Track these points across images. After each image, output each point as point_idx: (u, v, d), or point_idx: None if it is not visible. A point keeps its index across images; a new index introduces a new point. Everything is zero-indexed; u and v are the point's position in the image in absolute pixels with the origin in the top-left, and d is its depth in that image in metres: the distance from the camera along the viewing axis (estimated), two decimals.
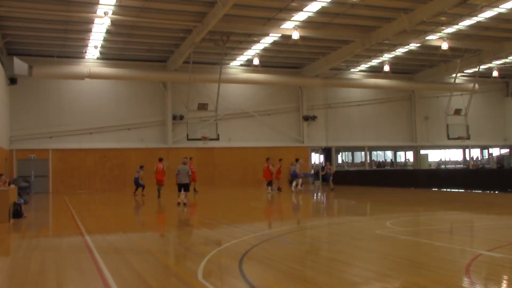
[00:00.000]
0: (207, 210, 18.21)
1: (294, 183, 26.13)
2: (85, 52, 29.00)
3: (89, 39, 26.69)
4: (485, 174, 26.94)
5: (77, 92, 30.37)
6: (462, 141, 34.62)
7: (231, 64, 32.80)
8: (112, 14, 22.16)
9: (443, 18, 24.26)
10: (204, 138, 28.32)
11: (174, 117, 31.92)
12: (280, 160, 26.94)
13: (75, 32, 25.49)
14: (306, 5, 22.33)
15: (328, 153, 37.35)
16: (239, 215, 15.72)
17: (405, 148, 41.05)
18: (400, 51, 31.20)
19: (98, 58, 29.63)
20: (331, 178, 26.58)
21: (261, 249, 8.75)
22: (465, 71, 36.37)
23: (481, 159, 44.01)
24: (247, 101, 34.06)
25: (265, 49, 29.68)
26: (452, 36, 27.57)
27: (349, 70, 35.99)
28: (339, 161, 39.77)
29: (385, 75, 34.71)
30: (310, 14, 23.41)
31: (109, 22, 22.25)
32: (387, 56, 32.47)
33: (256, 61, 30.60)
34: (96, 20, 23.30)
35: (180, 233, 12.37)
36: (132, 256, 8.57)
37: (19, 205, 14.80)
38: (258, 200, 22.04)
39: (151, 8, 22.04)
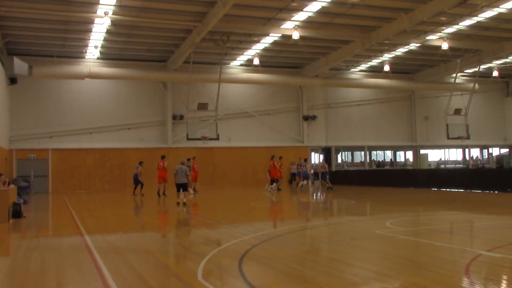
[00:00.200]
0: (207, 210, 18.21)
1: (304, 182, 26.69)
2: (85, 52, 29.01)
3: (89, 39, 26.69)
4: (485, 174, 26.93)
5: (77, 92, 30.37)
6: (462, 141, 34.64)
7: (231, 64, 32.80)
8: (112, 14, 22.16)
9: (443, 18, 24.26)
10: (204, 138, 28.34)
11: (174, 117, 31.92)
12: (280, 158, 27.09)
13: (75, 32, 25.50)
14: (306, 5, 22.33)
15: (328, 153, 37.37)
16: (239, 215, 15.72)
17: (405, 148, 41.06)
18: (400, 51, 31.20)
19: (98, 58, 29.63)
20: (327, 177, 26.70)
21: (261, 249, 8.74)
22: (465, 71, 36.37)
23: (481, 159, 44.01)
24: (247, 101, 34.06)
25: (265, 49, 29.69)
26: (452, 36, 27.57)
27: (349, 70, 35.99)
28: (339, 161, 39.78)
29: (385, 75, 34.72)
30: (310, 14, 23.41)
31: (109, 22, 22.25)
32: (387, 56, 32.48)
33: (256, 61, 30.60)
34: (96, 20, 23.30)
35: (180, 233, 12.38)
36: (132, 256, 8.57)
37: (18, 205, 14.79)
38: (258, 200, 22.04)
39: (151, 8, 22.04)
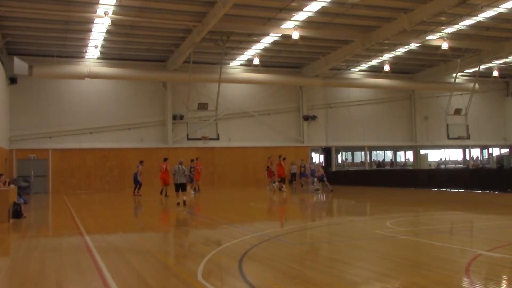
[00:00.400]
0: (207, 210, 18.20)
1: (315, 181, 27.30)
2: (85, 52, 29.01)
3: (89, 39, 26.69)
4: (485, 174, 26.91)
5: (77, 92, 30.37)
6: (462, 141, 34.64)
7: (231, 64, 32.80)
8: (112, 14, 22.17)
9: (443, 18, 24.26)
10: (204, 138, 28.36)
11: (174, 117, 31.92)
12: (284, 159, 27.27)
13: (75, 32, 25.50)
14: (306, 5, 22.33)
15: (328, 153, 37.38)
16: (239, 215, 15.72)
17: (405, 148, 41.06)
18: (400, 51, 31.21)
19: (98, 58, 29.64)
20: (325, 179, 26.77)
21: (261, 249, 8.74)
22: (465, 71, 36.39)
23: (481, 159, 44.00)
24: (247, 101, 34.05)
25: (265, 49, 29.69)
26: (452, 36, 27.57)
27: (349, 70, 36.00)
28: (339, 161, 39.77)
29: (385, 75, 34.73)
30: (310, 14, 23.41)
31: (109, 22, 22.26)
32: (387, 56, 32.48)
33: (256, 61, 30.61)
34: (96, 20, 23.31)
35: (180, 233, 12.38)
36: (132, 256, 8.57)
37: (18, 205, 14.79)
38: (258, 200, 22.04)
39: (151, 8, 22.05)
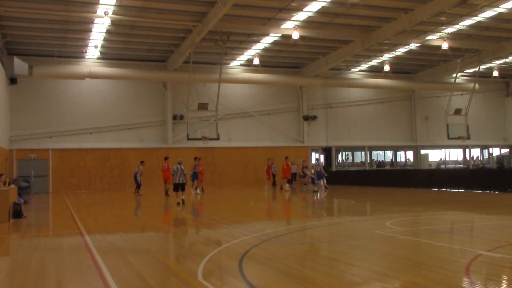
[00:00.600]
0: (207, 210, 18.21)
1: (322, 181, 27.20)
2: (85, 52, 29.01)
3: (89, 39, 26.69)
4: (485, 174, 26.92)
5: (77, 92, 30.37)
6: (462, 141, 34.64)
7: (231, 64, 32.80)
8: (112, 14, 22.17)
9: (443, 18, 24.26)
10: (204, 138, 28.35)
11: (174, 117, 31.92)
12: (286, 158, 27.43)
13: (75, 32, 25.50)
14: (306, 5, 22.33)
15: (328, 153, 37.38)
16: (239, 215, 15.72)
17: (405, 148, 41.06)
18: (400, 51, 31.21)
19: (98, 58, 29.65)
20: (324, 178, 27.02)
21: (261, 249, 8.74)
22: (465, 71, 36.38)
23: (481, 159, 44.00)
24: (247, 101, 34.05)
25: (265, 49, 29.69)
26: (452, 36, 27.57)
27: (349, 70, 36.00)
28: (339, 160, 39.77)
29: (385, 75, 34.73)
30: (310, 14, 23.41)
31: (109, 22, 22.26)
32: (387, 56, 32.48)
33: (256, 61, 30.62)
34: (96, 20, 23.31)
35: (180, 233, 12.38)
36: (132, 256, 8.57)
37: (19, 205, 14.80)
38: (258, 200, 22.04)
39: (151, 8, 22.05)
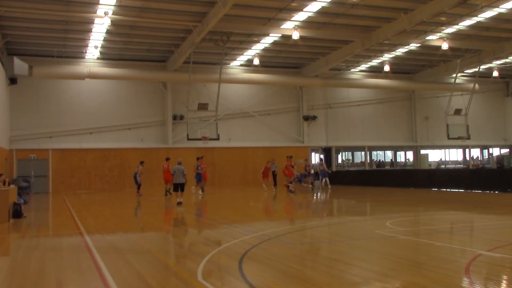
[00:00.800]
0: (207, 210, 18.21)
1: (325, 181, 27.94)
2: (85, 52, 29.01)
3: (89, 39, 26.69)
4: (485, 174, 26.92)
5: (77, 92, 30.38)
6: (462, 141, 34.65)
7: (231, 64, 32.80)
8: (112, 14, 22.17)
9: (443, 18, 24.26)
10: (204, 138, 28.35)
11: (174, 117, 31.92)
12: (290, 157, 27.38)
13: (75, 32, 25.50)
14: (306, 5, 22.33)
15: (328, 153, 37.37)
16: (239, 215, 15.72)
17: (405, 148, 41.06)
18: (400, 51, 31.21)
19: (98, 58, 29.64)
20: (327, 177, 27.50)
21: (261, 249, 8.74)
22: (465, 71, 36.38)
23: (481, 159, 44.01)
24: (247, 101, 34.05)
25: (265, 49, 29.69)
26: (452, 36, 27.57)
27: (349, 70, 36.00)
28: (339, 161, 39.77)
29: (385, 75, 34.73)
30: (310, 14, 23.41)
31: (109, 22, 22.26)
32: (387, 56, 32.48)
33: (256, 61, 30.62)
34: (96, 20, 23.30)
35: (180, 233, 12.38)
36: (132, 256, 8.57)
37: (19, 205, 14.79)
38: (258, 200, 22.04)
39: (151, 8, 22.05)
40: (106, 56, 29.89)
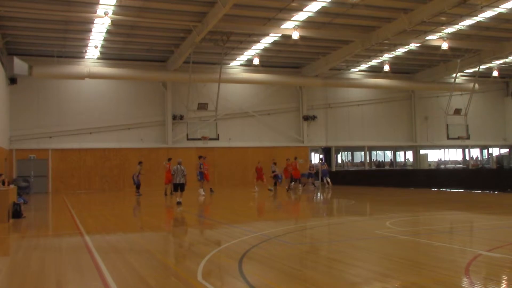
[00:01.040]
0: (207, 210, 18.21)
1: (326, 179, 28.31)
2: (85, 52, 29.01)
3: (89, 39, 26.69)
4: (485, 174, 26.93)
5: (77, 92, 30.38)
6: (462, 141, 34.66)
7: (231, 64, 32.80)
8: (112, 14, 22.17)
9: (443, 18, 24.26)
10: (204, 138, 28.35)
11: (174, 117, 31.92)
12: (295, 158, 27.55)
13: (75, 32, 25.50)
14: (306, 5, 22.33)
15: (328, 153, 37.37)
16: (239, 215, 15.72)
17: (404, 148, 41.07)
18: (400, 51, 31.21)
19: (98, 58, 29.65)
20: (328, 176, 27.77)
21: (261, 249, 8.74)
22: (465, 71, 36.39)
23: (481, 159, 44.02)
24: (247, 101, 34.06)
25: (265, 49, 29.69)
26: (452, 36, 27.57)
27: (349, 70, 36.00)
28: (339, 161, 39.78)
29: (385, 75, 34.73)
30: (310, 14, 23.41)
31: (109, 22, 22.25)
32: (387, 56, 32.48)
33: (256, 61, 30.61)
34: (96, 20, 23.30)
35: (180, 233, 12.37)
36: (132, 256, 8.56)
37: (18, 205, 14.79)
38: (258, 200, 22.02)
39: (151, 8, 22.05)
40: (106, 56, 29.89)
